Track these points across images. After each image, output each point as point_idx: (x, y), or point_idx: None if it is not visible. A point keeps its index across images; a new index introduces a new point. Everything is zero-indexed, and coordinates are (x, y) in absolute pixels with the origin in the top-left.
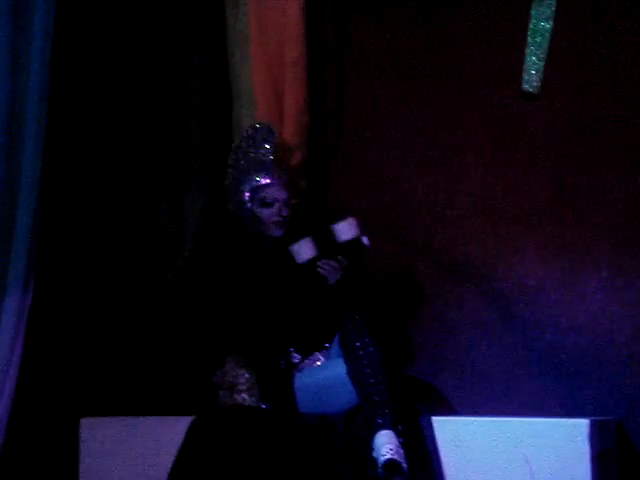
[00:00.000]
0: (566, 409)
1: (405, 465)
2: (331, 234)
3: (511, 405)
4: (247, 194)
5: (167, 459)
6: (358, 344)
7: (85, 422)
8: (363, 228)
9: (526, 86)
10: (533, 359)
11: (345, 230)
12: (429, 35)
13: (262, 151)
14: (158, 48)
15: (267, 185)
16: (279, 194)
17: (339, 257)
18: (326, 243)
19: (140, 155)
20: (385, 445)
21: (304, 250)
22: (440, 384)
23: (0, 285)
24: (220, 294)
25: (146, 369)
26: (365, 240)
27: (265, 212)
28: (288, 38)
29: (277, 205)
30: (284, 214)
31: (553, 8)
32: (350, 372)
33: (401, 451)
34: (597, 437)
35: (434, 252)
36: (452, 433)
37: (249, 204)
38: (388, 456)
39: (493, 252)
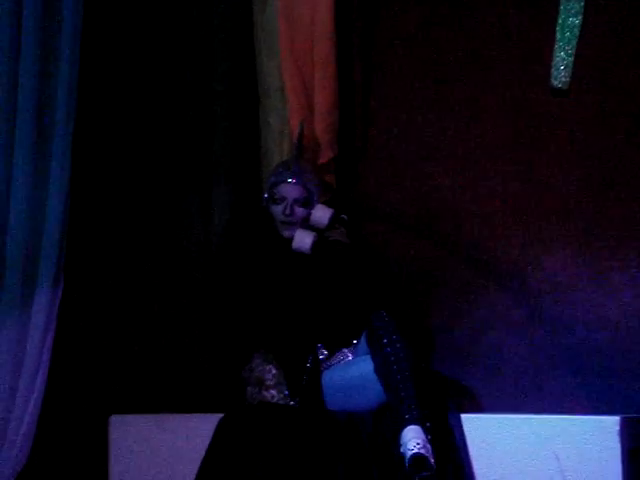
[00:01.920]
0: (596, 406)
1: (432, 460)
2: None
3: (541, 402)
4: (266, 191)
5: (196, 456)
6: (385, 340)
7: (114, 419)
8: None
9: (555, 82)
10: (563, 356)
11: (320, 214)
12: (457, 31)
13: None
14: (187, 46)
15: (281, 182)
16: (289, 192)
17: (336, 225)
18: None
19: (169, 151)
20: (412, 440)
21: (304, 236)
22: (469, 382)
23: (30, 282)
24: (249, 290)
25: (174, 366)
26: (344, 216)
27: (274, 209)
28: (317, 35)
29: (284, 203)
30: (287, 213)
31: (582, 3)
32: (377, 369)
33: (428, 446)
34: (627, 434)
35: (462, 249)
36: (481, 430)
37: (266, 201)
38: (415, 450)
39: (522, 249)
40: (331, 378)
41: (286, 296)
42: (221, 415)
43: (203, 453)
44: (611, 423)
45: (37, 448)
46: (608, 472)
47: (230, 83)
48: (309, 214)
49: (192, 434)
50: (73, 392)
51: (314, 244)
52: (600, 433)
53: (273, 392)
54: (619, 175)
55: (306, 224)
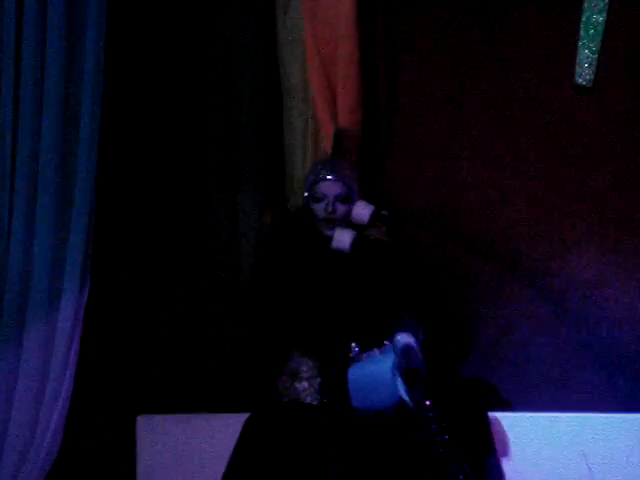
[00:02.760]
0: (623, 404)
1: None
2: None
3: (568, 400)
4: (307, 190)
5: (223, 456)
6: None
7: (141, 420)
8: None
9: (579, 79)
10: (589, 354)
11: (361, 212)
12: (481, 28)
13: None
14: (212, 48)
15: (321, 179)
16: (330, 189)
17: (377, 223)
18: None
19: (194, 151)
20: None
21: (344, 235)
22: (496, 380)
23: (57, 284)
24: (288, 287)
25: (200, 366)
26: (385, 212)
27: (315, 207)
28: (341, 33)
29: (325, 200)
30: (330, 210)
31: (606, 1)
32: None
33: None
34: None
35: (488, 248)
36: (509, 429)
37: (307, 200)
38: (405, 340)
39: (548, 247)
40: (353, 374)
41: (325, 293)
42: (248, 415)
43: (230, 453)
44: (638, 421)
45: (65, 449)
46: (636, 470)
47: (255, 84)
48: (350, 211)
49: (219, 434)
50: (100, 393)
51: (353, 242)
52: (627, 431)
53: (305, 384)
54: None
55: (347, 221)
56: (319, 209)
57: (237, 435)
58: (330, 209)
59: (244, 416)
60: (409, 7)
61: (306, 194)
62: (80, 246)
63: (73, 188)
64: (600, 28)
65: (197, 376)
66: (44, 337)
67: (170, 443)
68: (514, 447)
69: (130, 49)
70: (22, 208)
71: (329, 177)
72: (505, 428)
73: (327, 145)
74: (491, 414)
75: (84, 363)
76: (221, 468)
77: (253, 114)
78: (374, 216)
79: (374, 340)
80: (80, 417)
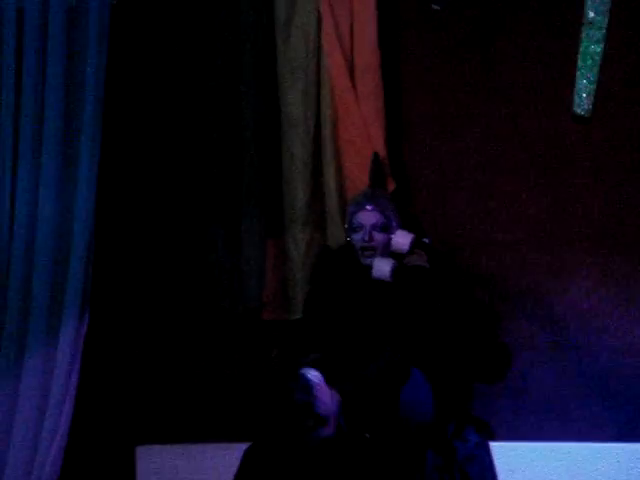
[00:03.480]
0: (622, 433)
1: None
2: (397, 255)
3: (568, 430)
4: (347, 222)
5: None
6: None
7: (141, 450)
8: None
9: (577, 109)
10: (589, 384)
11: (401, 240)
12: (481, 58)
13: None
14: (213, 79)
15: (358, 210)
16: (367, 219)
17: (416, 250)
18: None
19: (197, 183)
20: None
21: (383, 264)
22: (496, 410)
23: (56, 314)
24: (333, 321)
25: (199, 396)
26: (426, 240)
27: (354, 238)
28: (360, 45)
29: (364, 230)
30: (366, 239)
31: (604, 31)
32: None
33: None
34: None
35: (486, 277)
36: (509, 459)
37: (348, 232)
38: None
39: (546, 276)
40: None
41: (367, 323)
42: (248, 444)
43: None
44: (637, 450)
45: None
46: None
47: (256, 116)
48: (389, 239)
49: (219, 463)
50: (100, 423)
51: (394, 270)
52: (628, 460)
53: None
54: None
55: (388, 250)
56: (357, 239)
57: (237, 465)
58: (367, 238)
59: (245, 445)
60: (410, 29)
61: (346, 226)
62: (80, 274)
63: (72, 217)
64: (598, 58)
65: (197, 405)
66: (43, 368)
67: (170, 474)
68: (513, 477)
69: (133, 79)
70: (23, 236)
71: (367, 207)
72: (505, 458)
73: (360, 172)
74: (493, 443)
75: (84, 393)
76: None
77: (254, 143)
78: (415, 244)
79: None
80: (79, 448)
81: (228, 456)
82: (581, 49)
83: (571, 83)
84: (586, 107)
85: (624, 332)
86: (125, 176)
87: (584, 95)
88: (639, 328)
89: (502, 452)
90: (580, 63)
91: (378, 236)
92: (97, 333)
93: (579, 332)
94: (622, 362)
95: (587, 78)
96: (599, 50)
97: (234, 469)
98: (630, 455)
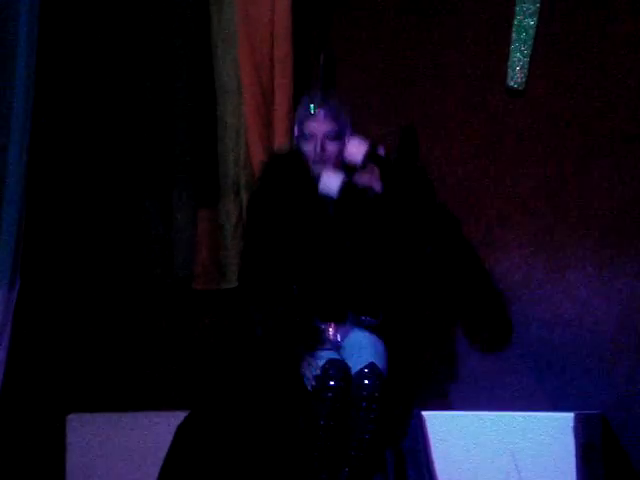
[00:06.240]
0: (552, 403)
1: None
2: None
3: (497, 399)
4: (297, 128)
5: (155, 455)
6: (365, 404)
7: (71, 418)
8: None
9: (511, 82)
10: (519, 354)
11: (354, 150)
12: (415, 31)
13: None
14: (145, 48)
15: (309, 116)
16: (318, 127)
17: (368, 165)
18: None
19: (128, 153)
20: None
21: (331, 180)
22: (427, 378)
23: None
24: (278, 236)
25: (132, 364)
26: (381, 150)
27: (305, 147)
28: (275, 35)
29: (315, 140)
30: (318, 150)
31: (538, 5)
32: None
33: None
34: (582, 431)
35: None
36: (440, 427)
37: (297, 139)
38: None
39: (478, 248)
40: None
41: (312, 242)
42: (181, 412)
43: (163, 452)
44: (566, 419)
45: None
46: (563, 468)
47: (189, 84)
48: (342, 149)
49: (150, 432)
50: (30, 391)
51: (342, 189)
52: (555, 430)
53: None
54: (575, 173)
55: (340, 160)
56: (308, 150)
57: (170, 433)
58: (319, 149)
59: (177, 414)
60: (342, 7)
61: (296, 133)
62: (10, 244)
63: (3, 185)
64: (532, 32)
65: (128, 374)
66: None
67: (101, 442)
68: (441, 446)
69: (64, 50)
70: None
71: (318, 114)
72: (431, 427)
73: (257, 152)
74: (424, 412)
75: (14, 361)
76: (153, 467)
77: (187, 112)
78: (369, 155)
79: (364, 303)
80: (9, 415)
81: (159, 425)
82: (515, 22)
83: (506, 57)
84: (519, 80)
85: (554, 304)
86: (57, 145)
87: (517, 68)
88: (568, 300)
89: (432, 421)
90: (514, 36)
91: (330, 145)
92: (28, 301)
93: (509, 303)
94: (552, 333)
95: (521, 51)
96: (533, 23)
97: (165, 437)
98: (559, 424)
